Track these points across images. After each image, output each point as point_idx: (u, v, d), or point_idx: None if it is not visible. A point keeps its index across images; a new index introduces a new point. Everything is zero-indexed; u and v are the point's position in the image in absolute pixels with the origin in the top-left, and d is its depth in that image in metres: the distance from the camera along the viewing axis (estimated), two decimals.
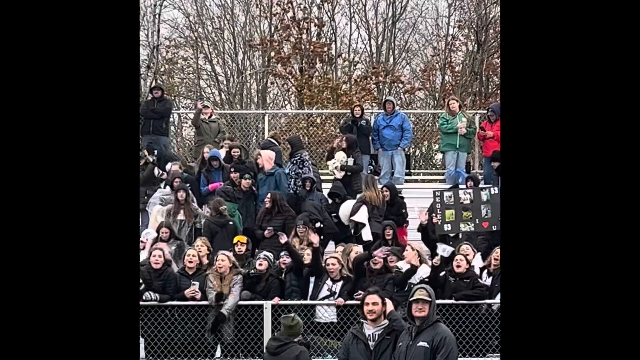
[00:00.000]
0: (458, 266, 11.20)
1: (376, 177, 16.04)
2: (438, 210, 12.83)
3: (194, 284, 11.27)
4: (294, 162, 14.37)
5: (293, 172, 14.30)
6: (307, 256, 11.62)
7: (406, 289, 11.02)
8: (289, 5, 27.30)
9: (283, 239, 11.61)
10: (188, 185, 14.10)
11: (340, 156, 14.97)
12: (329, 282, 11.29)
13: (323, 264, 11.49)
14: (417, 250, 11.55)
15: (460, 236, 13.07)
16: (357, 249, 12.01)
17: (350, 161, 14.98)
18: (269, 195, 13.32)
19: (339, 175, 14.71)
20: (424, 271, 11.41)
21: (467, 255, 11.51)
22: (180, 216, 13.36)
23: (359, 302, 8.72)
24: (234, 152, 14.98)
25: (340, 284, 11.25)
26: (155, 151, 15.35)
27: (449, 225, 12.83)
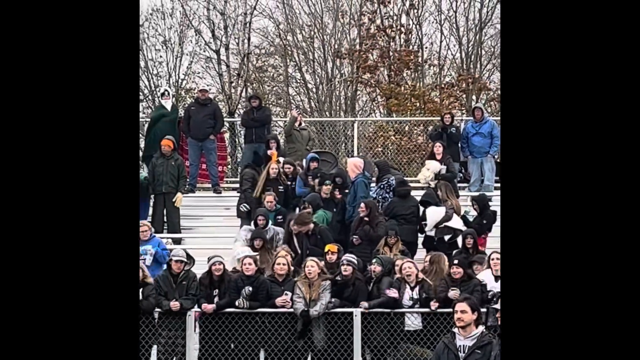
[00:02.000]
0: None
1: (464, 185, 16.13)
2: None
3: (286, 294, 11.33)
4: (381, 186, 14.12)
5: (380, 197, 13.96)
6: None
7: (493, 298, 11.12)
8: (376, 13, 27.40)
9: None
10: (280, 217, 13.59)
11: (435, 165, 15.00)
12: (408, 290, 11.37)
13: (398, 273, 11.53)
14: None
15: None
16: (445, 259, 11.98)
17: (444, 169, 14.99)
18: (362, 204, 13.06)
19: (433, 184, 14.69)
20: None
21: None
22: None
23: (450, 309, 8.75)
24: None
25: (417, 289, 11.34)
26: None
27: None
